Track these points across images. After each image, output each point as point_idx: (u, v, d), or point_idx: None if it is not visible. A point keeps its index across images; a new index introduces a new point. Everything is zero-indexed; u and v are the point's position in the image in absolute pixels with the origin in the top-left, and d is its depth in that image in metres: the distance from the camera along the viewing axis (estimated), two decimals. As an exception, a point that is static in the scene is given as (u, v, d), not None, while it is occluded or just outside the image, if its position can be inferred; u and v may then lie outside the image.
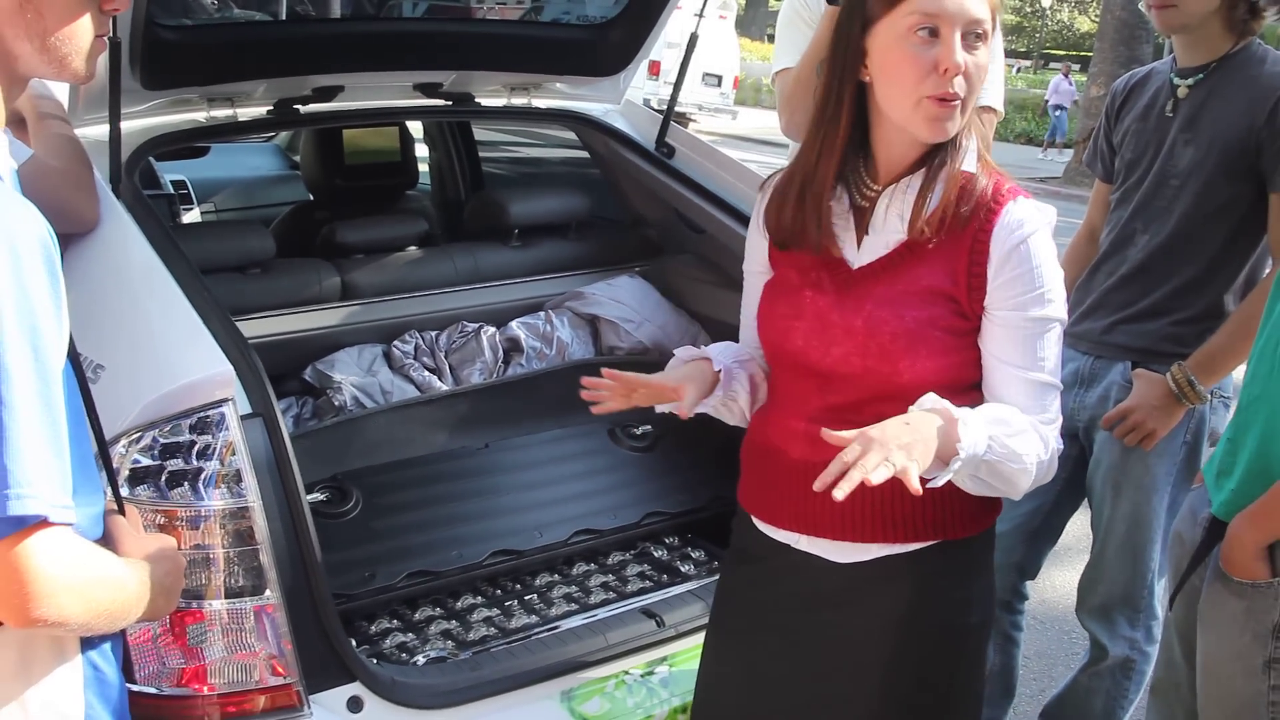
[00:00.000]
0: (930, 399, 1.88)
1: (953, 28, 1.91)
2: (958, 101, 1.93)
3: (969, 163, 1.99)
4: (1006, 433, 1.90)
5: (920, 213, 1.98)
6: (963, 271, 1.97)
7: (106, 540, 1.71)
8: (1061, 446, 2.02)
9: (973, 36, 1.92)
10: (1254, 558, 2.32)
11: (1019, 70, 42.44)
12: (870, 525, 2.04)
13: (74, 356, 1.65)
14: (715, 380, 2.14)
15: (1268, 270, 3.00)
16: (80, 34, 1.61)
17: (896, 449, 1.76)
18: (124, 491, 2.01)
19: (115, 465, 2.02)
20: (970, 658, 2.18)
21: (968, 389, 2.02)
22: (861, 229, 2.05)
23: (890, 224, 2.02)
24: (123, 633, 1.80)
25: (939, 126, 1.95)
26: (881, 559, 2.07)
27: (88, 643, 1.66)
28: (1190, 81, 2.99)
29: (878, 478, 1.71)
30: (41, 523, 1.41)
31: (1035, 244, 1.95)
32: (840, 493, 1.72)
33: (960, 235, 1.96)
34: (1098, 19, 19.03)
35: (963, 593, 2.12)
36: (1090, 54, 19.48)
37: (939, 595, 2.10)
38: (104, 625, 1.56)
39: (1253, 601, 2.35)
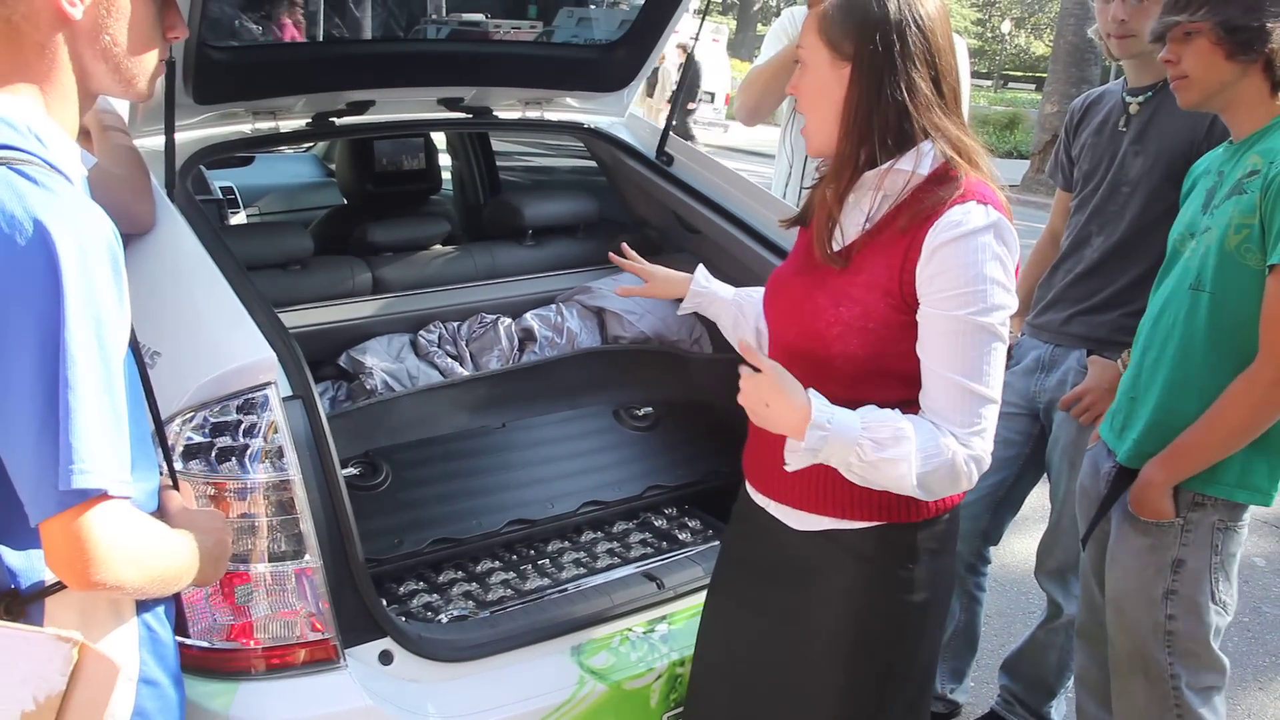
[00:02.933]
0: (810, 394, 1.83)
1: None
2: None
3: (922, 166, 1.91)
4: (876, 441, 1.81)
5: (822, 234, 1.98)
6: (897, 266, 1.89)
7: (161, 513, 1.71)
8: (986, 457, 1.88)
9: (798, 63, 1.97)
10: (1162, 498, 2.48)
11: (981, 89, 42.41)
12: (820, 498, 2.03)
13: (135, 345, 1.65)
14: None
15: None
16: (148, 58, 1.63)
17: (759, 401, 1.84)
18: (178, 466, 2.01)
19: (170, 443, 2.02)
20: (914, 633, 2.11)
21: (902, 378, 1.94)
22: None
23: (853, 219, 1.99)
24: (177, 596, 1.79)
25: None
26: (831, 531, 2.04)
27: (143, 605, 1.66)
28: (1140, 99, 3.03)
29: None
30: (102, 496, 1.40)
31: (969, 244, 1.84)
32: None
33: (904, 233, 1.90)
34: (1052, 43, 19.00)
35: (906, 573, 2.05)
36: (1045, 75, 19.45)
37: (881, 572, 2.05)
38: (157, 590, 1.56)
39: (1157, 539, 2.52)
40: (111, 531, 1.42)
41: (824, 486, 2.01)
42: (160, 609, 1.71)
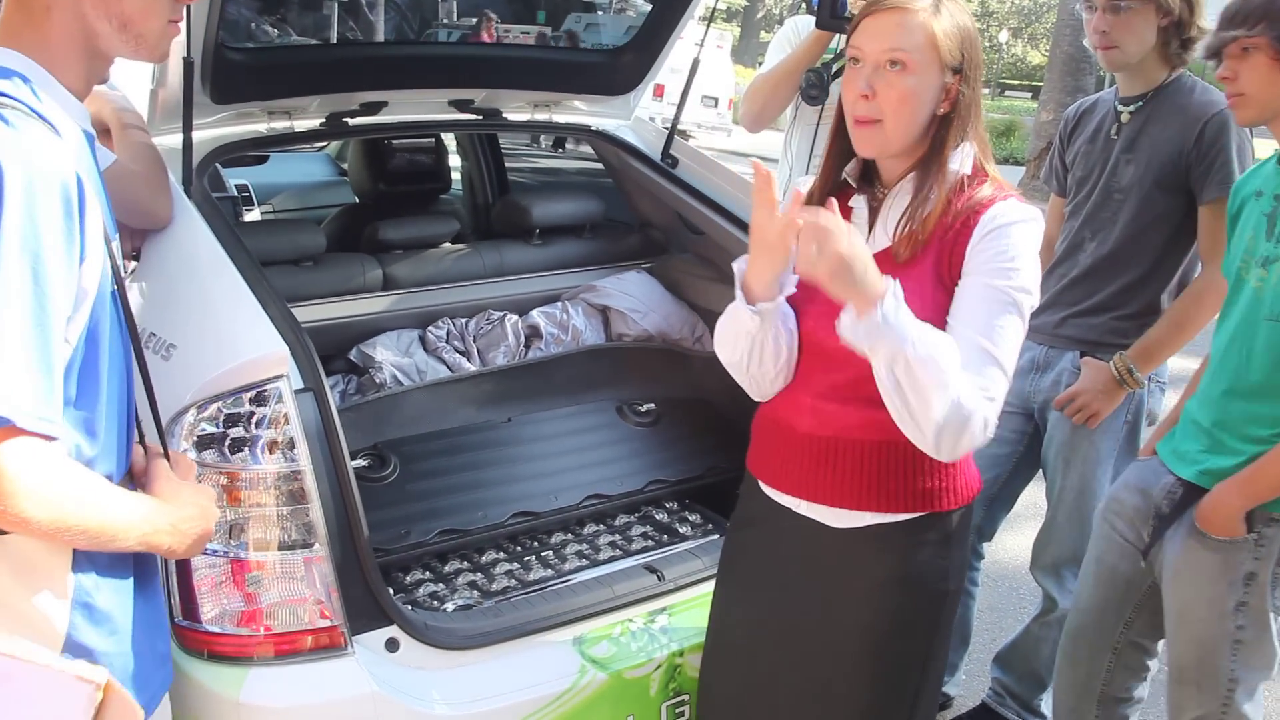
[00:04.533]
0: (887, 279, 1.81)
1: (869, 58, 1.95)
2: (871, 123, 1.96)
3: (964, 166, 1.98)
4: (934, 340, 1.81)
5: (912, 219, 1.98)
6: (948, 251, 1.95)
7: (146, 479, 1.70)
8: (993, 423, 1.89)
9: (890, 64, 1.93)
10: (1236, 519, 2.41)
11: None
12: (865, 495, 2.03)
13: (132, 328, 1.65)
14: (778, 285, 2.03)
15: (1198, 272, 3.02)
16: (154, 17, 1.62)
17: (834, 256, 1.74)
18: (191, 455, 2.01)
19: (185, 433, 2.03)
20: (945, 620, 2.16)
21: None
22: (873, 226, 2.06)
23: (890, 221, 2.02)
24: (181, 579, 1.74)
25: (861, 144, 2.00)
26: (874, 526, 2.05)
27: (79, 566, 1.60)
28: (1131, 108, 3.02)
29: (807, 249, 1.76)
30: (11, 429, 1.38)
31: (1015, 231, 1.92)
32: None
33: (948, 230, 1.95)
34: (1048, 53, 18.99)
35: (944, 562, 2.09)
36: (1041, 83, 19.44)
37: (923, 563, 2.07)
38: (78, 541, 1.50)
39: (1228, 555, 2.45)
40: (18, 466, 1.39)
41: (866, 481, 2.02)
42: (109, 579, 1.64)
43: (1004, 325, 1.89)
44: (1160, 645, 2.81)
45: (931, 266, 1.96)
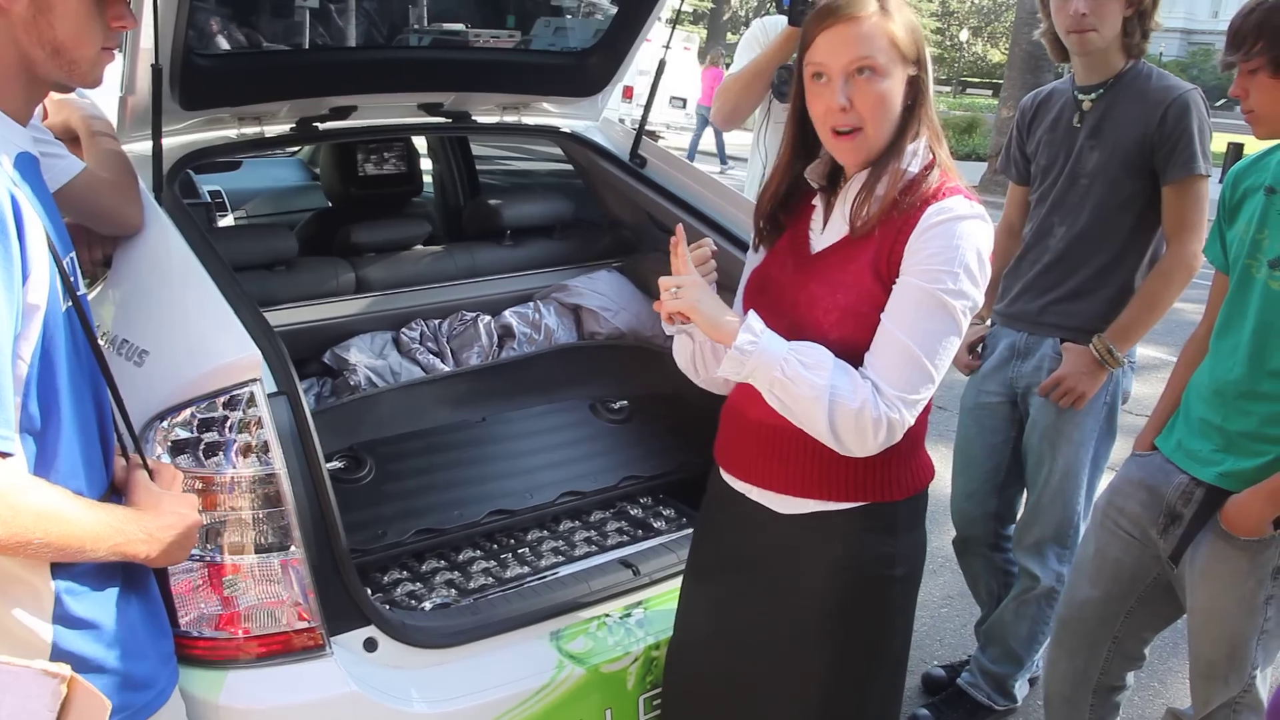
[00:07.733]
0: (751, 315, 1.93)
1: (836, 71, 1.94)
2: (852, 133, 1.96)
3: (914, 165, 1.96)
4: (801, 361, 1.88)
5: (860, 210, 1.98)
6: (887, 248, 1.94)
7: (127, 491, 1.70)
8: (900, 429, 1.91)
9: (858, 72, 1.93)
10: (1264, 522, 2.39)
11: (941, 94, 42.49)
12: (809, 482, 2.05)
13: (92, 340, 1.64)
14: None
15: (1164, 251, 3.06)
16: (85, 45, 1.61)
17: (690, 302, 1.94)
18: (165, 460, 1.99)
19: (159, 438, 2.01)
20: (895, 606, 2.16)
21: None
22: (828, 220, 2.07)
23: (846, 212, 2.02)
24: (162, 588, 1.72)
25: (845, 154, 2.01)
26: (816, 513, 2.07)
27: (59, 575, 1.59)
28: (1092, 96, 3.07)
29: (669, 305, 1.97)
30: None
31: (956, 228, 1.89)
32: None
33: (895, 221, 1.94)
34: (1007, 51, 19.10)
35: (887, 549, 2.09)
36: (1001, 81, 19.54)
37: (865, 549, 2.08)
38: (43, 554, 1.49)
39: (1256, 552, 2.44)
40: None
41: (811, 471, 2.04)
42: (87, 589, 1.63)
43: (937, 333, 1.90)
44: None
45: (870, 261, 1.96)
